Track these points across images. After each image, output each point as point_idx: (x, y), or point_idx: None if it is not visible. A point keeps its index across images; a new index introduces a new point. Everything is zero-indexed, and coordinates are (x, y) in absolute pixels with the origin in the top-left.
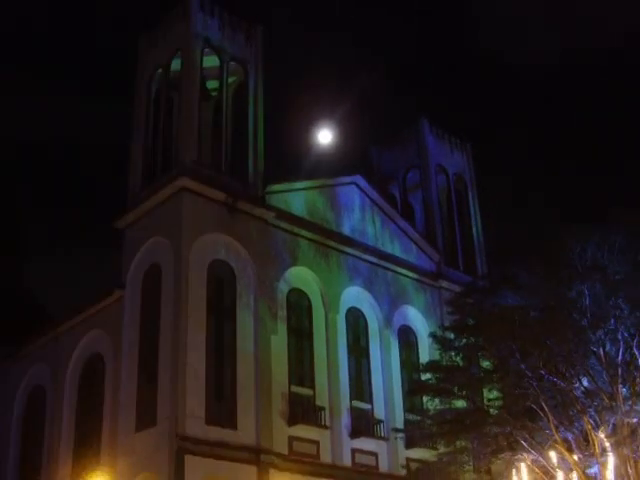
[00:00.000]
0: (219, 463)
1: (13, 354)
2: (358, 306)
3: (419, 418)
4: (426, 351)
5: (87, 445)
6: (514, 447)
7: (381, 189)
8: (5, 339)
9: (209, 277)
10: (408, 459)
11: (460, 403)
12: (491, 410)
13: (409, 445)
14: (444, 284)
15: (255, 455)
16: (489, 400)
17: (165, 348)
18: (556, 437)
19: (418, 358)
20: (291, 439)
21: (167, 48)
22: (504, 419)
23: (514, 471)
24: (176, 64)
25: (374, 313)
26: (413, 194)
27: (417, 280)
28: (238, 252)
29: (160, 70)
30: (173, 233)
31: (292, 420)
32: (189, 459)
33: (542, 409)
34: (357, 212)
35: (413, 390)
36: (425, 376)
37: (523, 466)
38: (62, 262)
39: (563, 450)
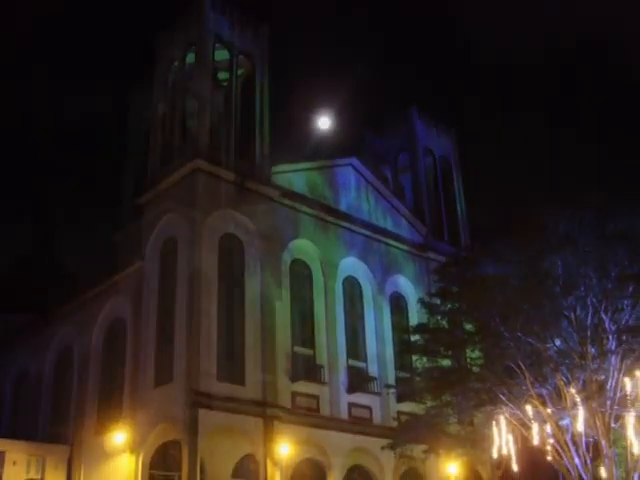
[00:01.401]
0: (229, 416)
1: (45, 317)
2: (354, 275)
3: (409, 375)
4: (415, 316)
5: (110, 399)
6: (494, 401)
7: (374, 170)
8: (38, 304)
9: (220, 249)
10: (399, 412)
11: (445, 362)
12: (473, 368)
13: (400, 399)
14: (431, 255)
15: (261, 408)
16: (471, 359)
17: (181, 313)
18: (532, 392)
19: (408, 322)
20: (294, 394)
21: (182, 43)
22: (485, 376)
23: (494, 423)
24: (190, 58)
25: (368, 281)
26: (403, 174)
27: (407, 251)
28: (246, 226)
29: (176, 63)
30: (188, 209)
31: (294, 377)
32: (202, 412)
33: (519, 367)
34: (353, 190)
35: (403, 350)
36: (414, 337)
37: (502, 419)
38: (89, 236)
39: (538, 404)
